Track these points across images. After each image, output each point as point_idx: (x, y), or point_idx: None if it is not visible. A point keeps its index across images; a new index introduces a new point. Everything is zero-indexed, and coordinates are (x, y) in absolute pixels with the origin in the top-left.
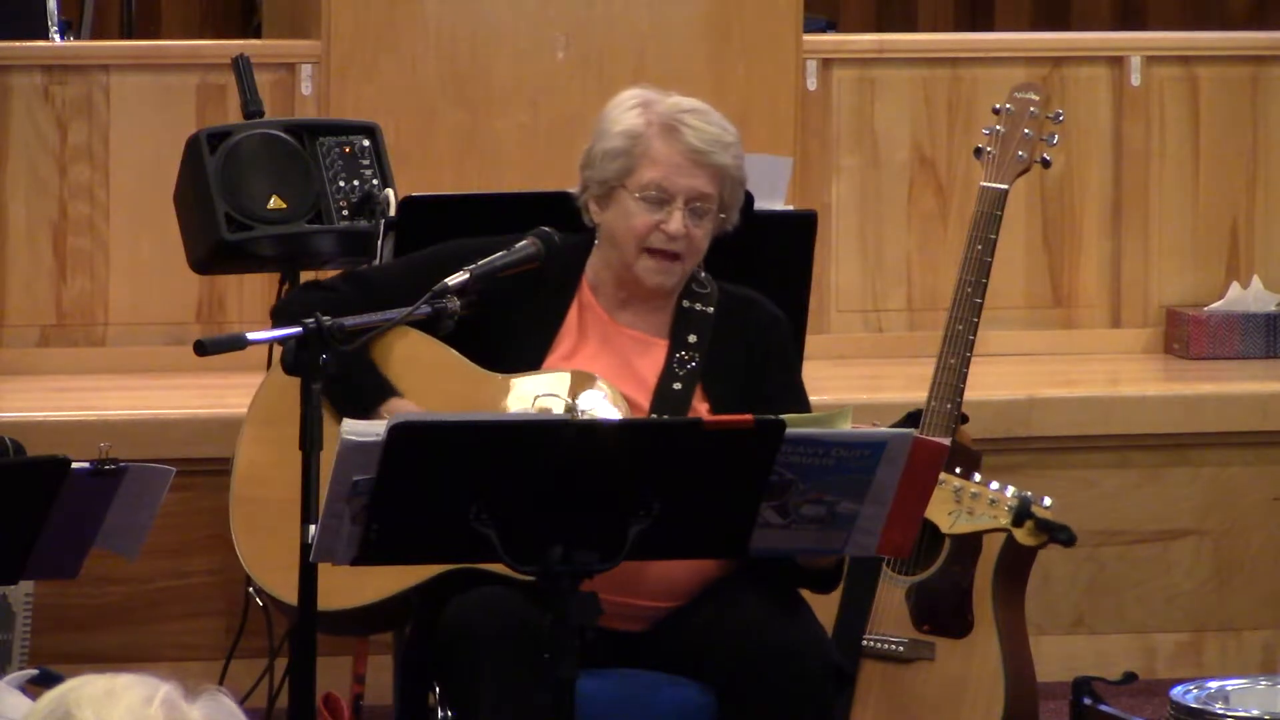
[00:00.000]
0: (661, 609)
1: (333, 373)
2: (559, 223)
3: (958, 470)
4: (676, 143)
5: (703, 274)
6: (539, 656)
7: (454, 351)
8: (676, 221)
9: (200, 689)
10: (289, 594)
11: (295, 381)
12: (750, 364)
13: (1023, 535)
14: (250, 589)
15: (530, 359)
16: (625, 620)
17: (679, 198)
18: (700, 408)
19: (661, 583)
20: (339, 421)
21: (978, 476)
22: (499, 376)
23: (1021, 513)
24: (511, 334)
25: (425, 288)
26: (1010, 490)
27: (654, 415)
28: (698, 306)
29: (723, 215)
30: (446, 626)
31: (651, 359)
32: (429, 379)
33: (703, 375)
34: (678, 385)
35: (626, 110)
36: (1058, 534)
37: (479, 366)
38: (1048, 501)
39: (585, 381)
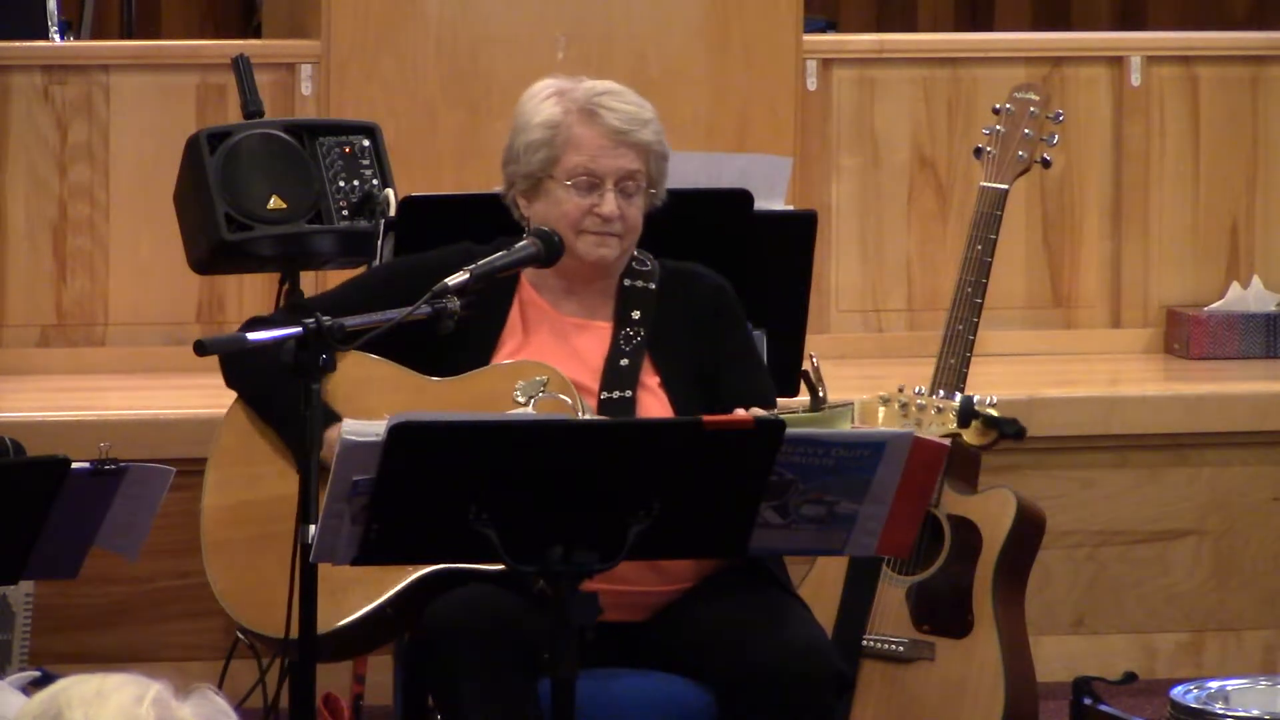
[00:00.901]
0: (662, 594)
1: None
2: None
3: (900, 388)
4: (597, 125)
5: (638, 252)
6: (524, 654)
7: (396, 365)
8: (610, 203)
9: (191, 688)
10: (276, 629)
11: (249, 424)
12: (698, 333)
13: (972, 435)
14: (239, 634)
15: (477, 361)
16: (625, 610)
17: (608, 179)
18: (649, 381)
19: (656, 569)
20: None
21: (920, 389)
22: (445, 381)
23: (966, 413)
24: (454, 343)
25: (384, 304)
26: (958, 398)
27: (604, 394)
28: (639, 283)
29: (652, 191)
30: (429, 626)
31: (598, 341)
32: (376, 395)
33: (649, 348)
34: (624, 361)
35: (542, 101)
36: (1005, 428)
37: (420, 374)
38: (994, 398)
39: (530, 370)
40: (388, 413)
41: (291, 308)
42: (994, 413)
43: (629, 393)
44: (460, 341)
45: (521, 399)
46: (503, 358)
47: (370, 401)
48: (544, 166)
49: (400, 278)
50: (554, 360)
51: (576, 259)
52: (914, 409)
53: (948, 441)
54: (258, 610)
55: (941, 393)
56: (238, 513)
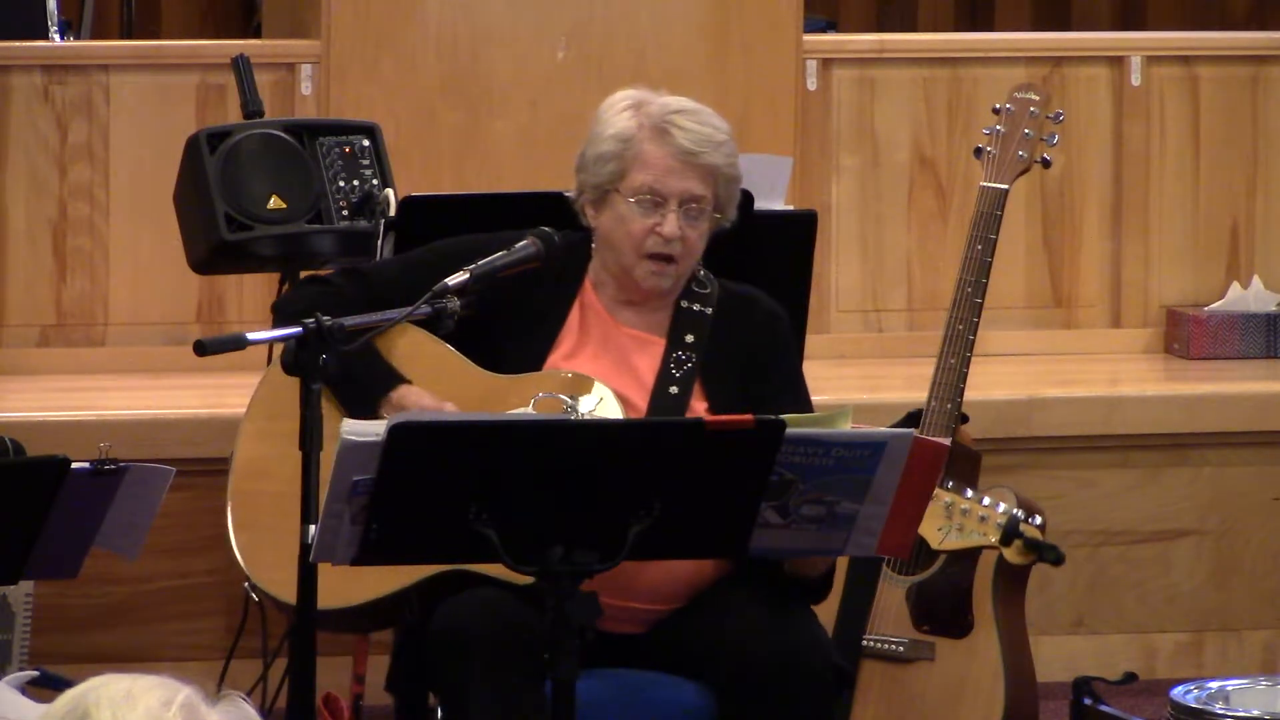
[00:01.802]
0: (658, 611)
1: (333, 371)
2: (558, 222)
3: (950, 484)
4: (667, 144)
5: (702, 273)
6: (529, 659)
7: (455, 350)
8: (671, 224)
9: (221, 694)
10: (285, 592)
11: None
12: (749, 362)
13: (1011, 554)
14: (246, 585)
15: (532, 358)
16: (622, 623)
17: (672, 200)
18: (698, 407)
19: (657, 585)
20: (341, 419)
21: (970, 493)
22: (499, 376)
23: (1010, 532)
24: (514, 333)
25: (424, 284)
26: (1002, 507)
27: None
28: (696, 306)
29: (719, 215)
30: (437, 629)
31: (649, 358)
32: (430, 377)
33: (701, 374)
34: (674, 389)
35: (618, 113)
36: (1045, 554)
37: (479, 366)
38: (1038, 520)
39: (583, 385)
40: (435, 394)
41: (345, 272)
42: (1038, 535)
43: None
44: (517, 331)
45: (569, 413)
46: (557, 357)
47: (419, 379)
48: (611, 179)
49: (462, 258)
50: (605, 369)
51: (633, 281)
52: (958, 512)
53: (947, 442)
54: (272, 571)
55: (988, 500)
56: (268, 466)
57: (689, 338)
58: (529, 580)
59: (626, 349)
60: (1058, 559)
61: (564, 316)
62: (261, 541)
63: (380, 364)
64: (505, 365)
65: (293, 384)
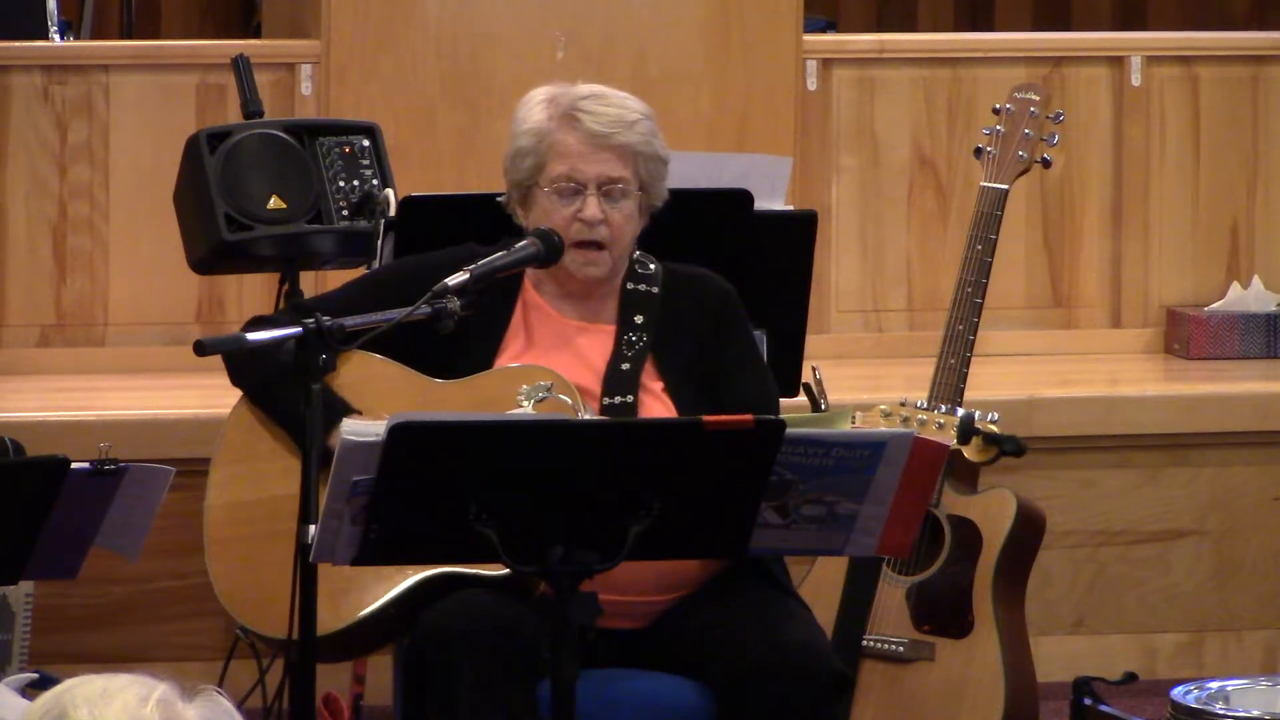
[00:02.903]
0: (658, 603)
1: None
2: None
3: (902, 401)
4: (576, 131)
5: (638, 254)
6: (518, 658)
7: (401, 366)
8: (592, 208)
9: (197, 689)
10: (276, 629)
11: (254, 422)
12: (701, 338)
13: (971, 452)
14: (238, 632)
15: (479, 364)
16: (622, 618)
17: (590, 184)
18: (653, 385)
19: (656, 577)
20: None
21: (922, 402)
22: (450, 382)
23: (966, 429)
24: (458, 346)
25: (377, 307)
26: (959, 412)
27: (605, 399)
28: (641, 287)
29: (643, 193)
30: (425, 632)
31: (599, 344)
32: (382, 396)
33: (653, 351)
34: (626, 365)
35: (533, 108)
36: (1005, 444)
37: (426, 375)
38: (994, 416)
39: (535, 374)
40: (389, 413)
41: (293, 308)
42: (994, 429)
43: (630, 397)
44: (463, 343)
45: (525, 403)
46: (505, 360)
47: (372, 401)
48: (531, 175)
49: (404, 279)
50: (557, 364)
51: (568, 274)
52: (914, 422)
53: (947, 442)
54: (258, 609)
55: (943, 407)
56: (241, 511)
57: (638, 319)
58: (504, 572)
59: (575, 339)
60: (1017, 449)
61: (508, 320)
62: (248, 586)
63: (330, 399)
64: (454, 375)
65: (256, 425)
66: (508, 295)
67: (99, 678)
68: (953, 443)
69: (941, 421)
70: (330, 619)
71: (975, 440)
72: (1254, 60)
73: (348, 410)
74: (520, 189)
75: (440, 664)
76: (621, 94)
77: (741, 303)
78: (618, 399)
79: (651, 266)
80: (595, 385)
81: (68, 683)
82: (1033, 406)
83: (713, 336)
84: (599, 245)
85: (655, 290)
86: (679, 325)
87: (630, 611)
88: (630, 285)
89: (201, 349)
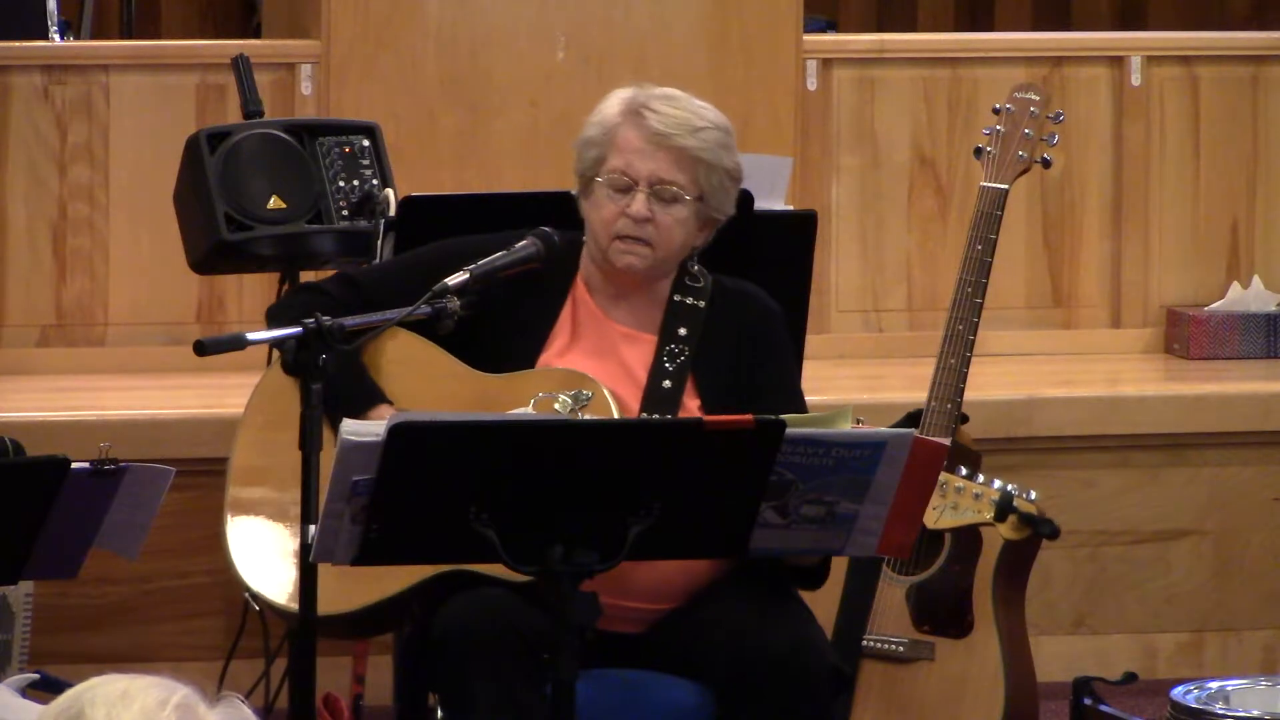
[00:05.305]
0: (655, 610)
1: (330, 373)
2: (559, 222)
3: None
4: (639, 127)
5: (696, 267)
6: (532, 659)
7: (445, 352)
8: (639, 203)
9: (220, 695)
10: (284, 598)
11: (292, 384)
12: (741, 357)
13: (1006, 529)
14: (246, 595)
15: (524, 357)
16: (620, 623)
17: (641, 182)
18: (690, 404)
19: (654, 584)
20: (333, 423)
21: (964, 470)
22: (491, 376)
23: (1004, 507)
24: (506, 333)
25: (418, 287)
26: (996, 484)
27: (644, 414)
28: (689, 300)
29: (702, 202)
30: (440, 630)
31: (641, 354)
32: (421, 380)
33: (693, 368)
34: (667, 383)
35: (611, 102)
36: (1040, 527)
37: (470, 367)
38: (1033, 495)
39: (575, 381)
40: (418, 401)
41: (337, 278)
42: (1032, 509)
43: (669, 417)
44: (511, 330)
45: (560, 409)
46: (550, 355)
47: (411, 383)
48: (593, 166)
49: (452, 260)
50: (597, 369)
51: (612, 267)
52: (952, 490)
53: (947, 442)
54: (270, 578)
55: (981, 478)
56: (265, 476)
57: (682, 330)
58: (527, 579)
59: (619, 345)
60: (1052, 532)
61: (556, 314)
62: (260, 551)
63: (362, 383)
64: (498, 365)
65: (288, 391)
66: (559, 290)
67: (121, 678)
68: (988, 515)
69: (979, 493)
70: (353, 596)
71: (1011, 519)
72: (1254, 60)
73: (375, 394)
74: (584, 179)
75: (454, 663)
76: (701, 102)
77: (785, 326)
78: (655, 416)
79: (702, 280)
80: (633, 394)
81: (90, 681)
82: (1033, 406)
83: (750, 356)
84: (641, 240)
85: (702, 304)
86: (721, 341)
87: (629, 616)
88: (677, 297)
89: (201, 349)
